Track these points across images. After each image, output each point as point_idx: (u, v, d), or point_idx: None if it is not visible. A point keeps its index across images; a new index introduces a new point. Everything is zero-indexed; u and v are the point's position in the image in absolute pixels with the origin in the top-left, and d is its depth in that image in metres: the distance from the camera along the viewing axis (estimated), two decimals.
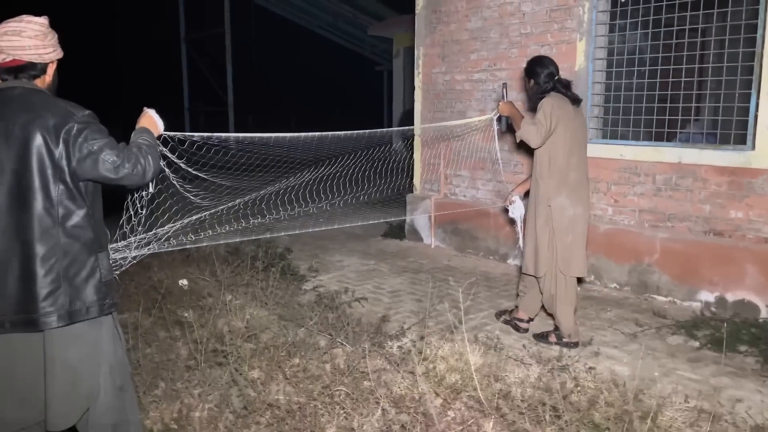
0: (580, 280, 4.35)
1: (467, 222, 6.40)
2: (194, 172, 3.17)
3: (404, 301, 4.88)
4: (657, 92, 4.85)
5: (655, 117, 4.87)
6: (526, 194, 4.15)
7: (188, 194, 3.33)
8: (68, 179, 2.04)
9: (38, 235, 2.01)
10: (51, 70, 2.19)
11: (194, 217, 3.66)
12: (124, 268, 2.87)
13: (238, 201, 4.19)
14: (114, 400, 2.22)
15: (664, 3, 4.74)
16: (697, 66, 4.64)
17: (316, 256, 6.18)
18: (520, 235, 4.28)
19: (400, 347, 3.75)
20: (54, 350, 2.06)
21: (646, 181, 4.95)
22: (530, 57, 4.90)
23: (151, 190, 2.66)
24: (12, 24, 2.07)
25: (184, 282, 5.00)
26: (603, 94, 5.25)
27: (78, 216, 2.08)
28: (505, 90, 4.13)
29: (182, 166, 2.97)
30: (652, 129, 4.91)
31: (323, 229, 5.25)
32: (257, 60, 23.78)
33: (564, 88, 3.84)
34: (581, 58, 5.24)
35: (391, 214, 7.75)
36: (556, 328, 3.98)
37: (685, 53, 4.67)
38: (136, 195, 2.75)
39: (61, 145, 2.01)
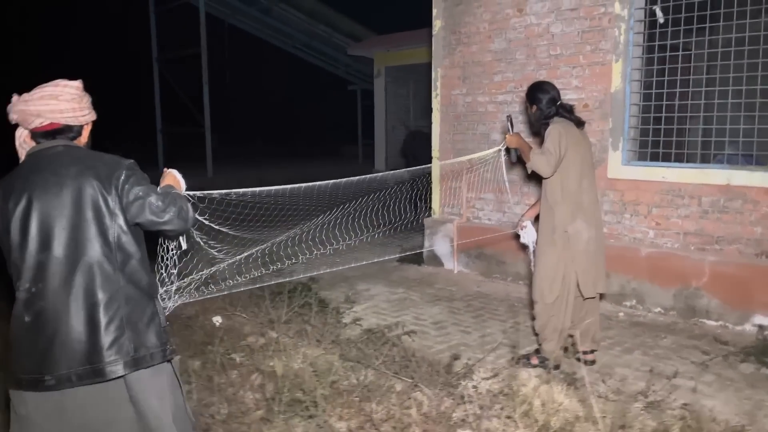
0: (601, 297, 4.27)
1: (493, 246, 6.24)
2: (217, 227, 3.21)
3: (451, 333, 4.67)
4: (702, 114, 4.82)
5: (700, 139, 4.83)
6: (537, 218, 4.08)
7: (211, 249, 3.41)
8: (123, 225, 2.07)
9: (100, 283, 2.01)
10: (86, 131, 2.24)
11: (213, 269, 3.72)
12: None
13: (255, 250, 4.21)
14: None
15: (707, 25, 4.72)
16: (744, 88, 4.61)
17: (352, 287, 5.89)
18: (533, 260, 4.15)
19: (475, 387, 3.55)
20: (123, 398, 2.07)
21: (691, 204, 4.88)
22: (556, 79, 4.90)
23: (184, 245, 2.71)
24: (48, 89, 2.12)
25: (217, 319, 4.70)
26: (640, 116, 5.19)
27: (135, 260, 2.11)
28: (510, 122, 4.07)
29: (206, 222, 3.04)
30: (696, 151, 4.87)
31: (342, 268, 5.13)
32: (230, 80, 23.45)
33: (567, 112, 3.81)
34: (618, 80, 5.17)
35: (400, 239, 7.62)
36: (538, 351, 3.96)
37: (731, 75, 4.65)
38: (170, 249, 2.78)
39: (113, 192, 2.05)
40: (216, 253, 3.51)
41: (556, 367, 3.86)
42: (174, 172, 2.49)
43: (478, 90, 6.29)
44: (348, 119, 26.92)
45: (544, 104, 3.81)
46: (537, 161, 3.66)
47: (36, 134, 2.13)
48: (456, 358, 3.76)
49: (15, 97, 2.11)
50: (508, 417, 2.98)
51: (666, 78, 5.00)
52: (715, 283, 4.73)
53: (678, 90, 4.93)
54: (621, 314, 5.08)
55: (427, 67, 16.46)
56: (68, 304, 1.97)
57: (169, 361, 2.16)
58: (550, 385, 3.32)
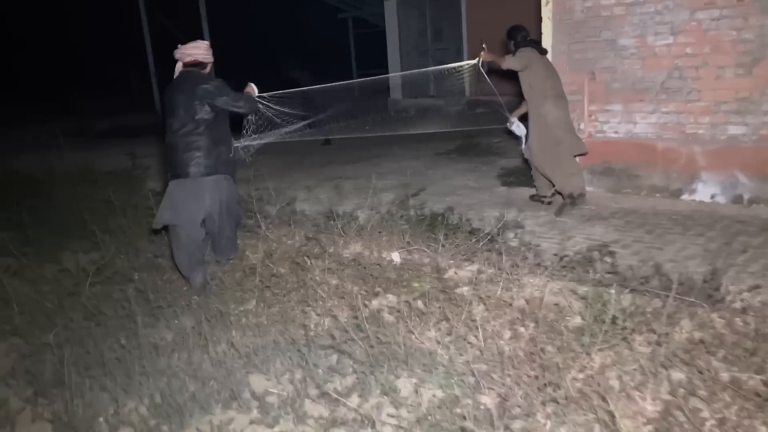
0: None
1: (622, 160, 5.96)
2: (289, 111, 4.93)
3: (641, 252, 4.38)
4: None
5: None
6: (522, 117, 5.84)
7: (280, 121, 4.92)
8: (207, 107, 3.96)
9: (192, 134, 3.96)
10: (209, 66, 4.20)
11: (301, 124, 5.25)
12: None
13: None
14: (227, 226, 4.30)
15: None
16: None
17: (483, 214, 5.49)
18: (523, 143, 5.84)
19: (743, 301, 3.33)
20: (201, 188, 4.05)
21: None
22: None
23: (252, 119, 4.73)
24: (194, 43, 4.14)
25: (395, 255, 4.35)
26: None
27: (216, 123, 4.04)
28: (483, 45, 5.29)
29: (277, 108, 4.81)
30: None
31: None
32: (219, 16, 22.13)
33: (534, 43, 5.63)
34: None
35: (481, 162, 7.33)
36: (555, 193, 5.64)
37: None
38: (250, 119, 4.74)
39: (206, 91, 3.94)
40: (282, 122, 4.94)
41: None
42: (252, 85, 4.50)
43: None
44: (332, 49, 25.63)
45: (519, 39, 5.54)
46: (510, 61, 5.37)
47: (186, 65, 4.11)
48: (715, 275, 3.49)
49: (179, 46, 4.08)
50: None
51: None
52: None
53: None
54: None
55: None
56: (181, 143, 3.97)
57: (225, 174, 4.15)
58: None
